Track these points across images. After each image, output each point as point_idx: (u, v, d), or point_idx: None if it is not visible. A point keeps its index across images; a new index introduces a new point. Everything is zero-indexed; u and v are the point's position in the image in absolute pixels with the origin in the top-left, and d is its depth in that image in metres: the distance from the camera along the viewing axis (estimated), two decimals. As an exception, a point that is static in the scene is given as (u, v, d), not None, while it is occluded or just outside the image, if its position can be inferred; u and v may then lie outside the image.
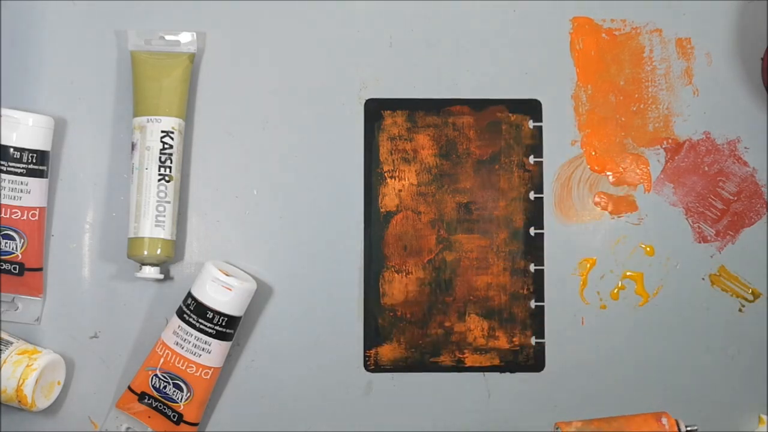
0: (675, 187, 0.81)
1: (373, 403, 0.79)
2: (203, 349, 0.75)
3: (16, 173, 0.71)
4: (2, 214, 0.71)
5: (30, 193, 0.72)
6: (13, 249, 0.71)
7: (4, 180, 0.71)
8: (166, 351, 0.75)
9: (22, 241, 0.71)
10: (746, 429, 0.80)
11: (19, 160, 0.71)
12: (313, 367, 0.79)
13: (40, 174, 0.72)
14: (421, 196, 0.80)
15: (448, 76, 0.81)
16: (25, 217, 0.71)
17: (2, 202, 0.71)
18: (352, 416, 0.79)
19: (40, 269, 0.74)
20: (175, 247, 0.78)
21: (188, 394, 0.75)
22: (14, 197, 0.71)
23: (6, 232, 0.71)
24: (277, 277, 0.80)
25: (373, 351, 0.79)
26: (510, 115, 0.81)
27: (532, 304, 0.80)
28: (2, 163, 0.72)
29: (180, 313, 0.75)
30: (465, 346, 0.80)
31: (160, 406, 0.76)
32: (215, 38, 0.81)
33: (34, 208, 0.72)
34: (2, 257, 0.71)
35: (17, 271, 0.72)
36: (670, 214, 0.81)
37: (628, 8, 0.82)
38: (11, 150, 0.71)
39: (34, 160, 0.72)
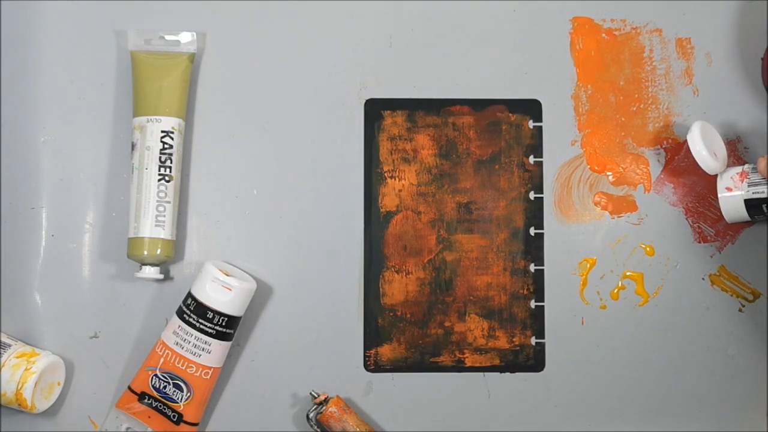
0: (675, 187, 0.81)
1: (373, 403, 0.79)
2: (203, 349, 0.75)
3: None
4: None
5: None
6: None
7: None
8: (166, 351, 0.75)
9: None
10: (746, 429, 0.80)
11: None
12: (313, 367, 0.79)
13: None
14: (421, 196, 0.80)
15: (448, 76, 0.81)
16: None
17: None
18: (352, 416, 0.79)
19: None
20: (175, 247, 0.78)
21: (188, 394, 0.75)
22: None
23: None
24: (277, 277, 0.79)
25: (373, 351, 0.79)
26: (510, 115, 0.81)
27: (532, 304, 0.80)
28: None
29: (180, 313, 0.75)
30: (465, 346, 0.80)
31: (160, 406, 0.76)
32: (215, 38, 0.81)
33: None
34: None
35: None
36: (670, 214, 0.81)
37: (628, 8, 0.82)
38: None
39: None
